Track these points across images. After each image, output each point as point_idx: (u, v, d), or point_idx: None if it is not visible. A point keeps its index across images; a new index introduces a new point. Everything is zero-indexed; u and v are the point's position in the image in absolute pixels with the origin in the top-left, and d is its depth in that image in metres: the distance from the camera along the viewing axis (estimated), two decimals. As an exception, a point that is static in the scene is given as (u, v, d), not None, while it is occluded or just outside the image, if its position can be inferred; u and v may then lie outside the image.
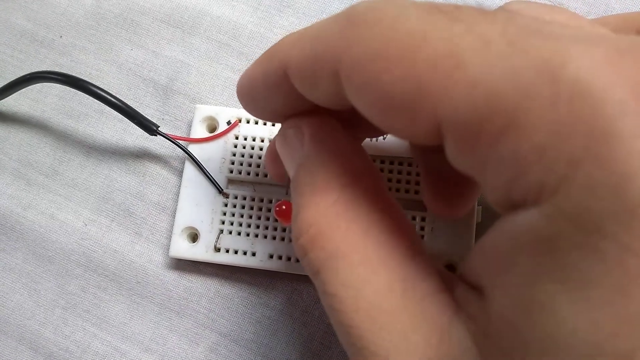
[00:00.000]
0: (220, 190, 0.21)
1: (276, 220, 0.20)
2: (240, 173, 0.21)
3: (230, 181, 0.21)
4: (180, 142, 0.21)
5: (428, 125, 0.11)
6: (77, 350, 0.21)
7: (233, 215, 0.21)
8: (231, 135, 0.21)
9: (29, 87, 0.23)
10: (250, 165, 0.21)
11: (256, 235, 0.20)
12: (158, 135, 0.21)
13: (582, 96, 0.09)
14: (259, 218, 0.21)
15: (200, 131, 0.22)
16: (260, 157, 0.21)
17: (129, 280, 0.21)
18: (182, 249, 0.21)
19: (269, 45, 0.23)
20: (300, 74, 0.13)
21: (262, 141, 0.21)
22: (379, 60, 0.11)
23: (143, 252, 0.22)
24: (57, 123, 0.23)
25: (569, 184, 0.09)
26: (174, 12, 0.24)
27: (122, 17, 0.24)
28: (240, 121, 0.21)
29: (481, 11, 0.11)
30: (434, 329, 0.11)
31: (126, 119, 0.21)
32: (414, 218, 0.20)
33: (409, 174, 0.20)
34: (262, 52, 0.23)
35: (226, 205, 0.21)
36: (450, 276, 0.13)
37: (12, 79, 0.22)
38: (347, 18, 0.12)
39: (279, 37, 0.23)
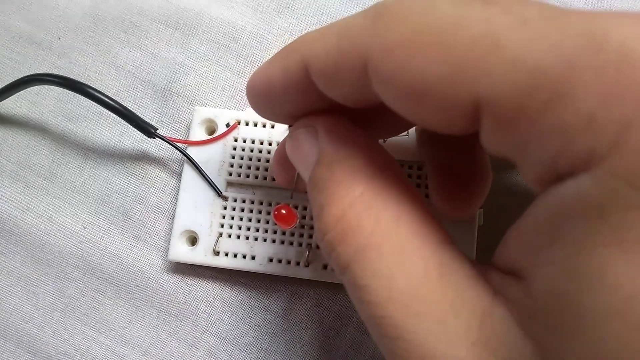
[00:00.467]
0: (219, 193, 0.21)
1: (275, 224, 0.20)
2: (239, 176, 0.21)
3: (230, 184, 0.21)
4: (179, 144, 0.21)
5: (464, 108, 0.10)
6: (75, 354, 0.21)
7: (232, 218, 0.21)
8: (230, 137, 0.21)
9: (27, 89, 0.23)
10: (249, 167, 0.21)
11: (255, 239, 0.20)
12: (156, 138, 0.21)
13: (629, 62, 0.09)
14: (259, 221, 0.20)
15: (199, 133, 0.22)
16: (259, 160, 0.21)
17: (127, 284, 0.21)
18: (181, 252, 0.21)
19: (269, 46, 0.23)
20: (323, 69, 0.13)
21: (262, 143, 0.21)
22: (412, 46, 0.11)
23: (142, 256, 0.22)
24: (56, 125, 0.23)
25: (622, 146, 0.09)
26: (173, 13, 0.23)
27: (120, 19, 0.24)
28: (239, 123, 0.21)
29: None
30: (474, 313, 0.11)
31: (125, 121, 0.21)
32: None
33: (409, 176, 0.20)
34: (262, 53, 0.23)
35: (225, 208, 0.21)
36: (483, 265, 0.12)
37: (10, 81, 0.22)
38: (374, 11, 0.12)
39: (279, 39, 0.23)
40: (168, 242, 0.21)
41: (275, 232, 0.20)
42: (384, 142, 0.20)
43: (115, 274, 0.22)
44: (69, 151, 0.23)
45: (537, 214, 0.11)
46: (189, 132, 0.22)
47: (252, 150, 0.21)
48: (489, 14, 0.10)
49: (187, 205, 0.21)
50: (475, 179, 0.17)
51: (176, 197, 0.21)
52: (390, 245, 0.12)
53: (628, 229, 0.09)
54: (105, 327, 0.21)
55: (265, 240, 0.20)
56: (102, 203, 0.22)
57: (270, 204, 0.21)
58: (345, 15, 0.21)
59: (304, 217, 0.20)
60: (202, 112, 0.22)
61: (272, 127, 0.21)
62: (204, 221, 0.21)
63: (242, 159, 0.21)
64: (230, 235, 0.20)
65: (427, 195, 0.20)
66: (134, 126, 0.21)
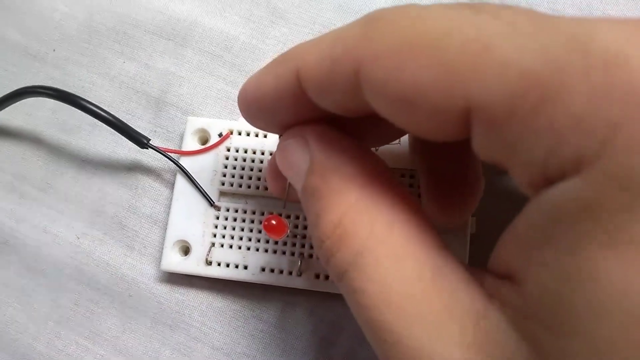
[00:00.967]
0: (211, 203, 0.21)
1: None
2: (232, 185, 0.21)
3: (222, 194, 0.21)
4: (172, 154, 0.21)
5: (455, 113, 0.10)
6: (70, 364, 0.21)
7: (225, 228, 0.21)
8: (222, 147, 0.21)
9: (22, 101, 0.23)
10: (242, 177, 0.21)
11: (248, 248, 0.20)
12: (149, 148, 0.21)
13: (615, 63, 0.09)
14: (251, 231, 0.20)
15: (191, 143, 0.22)
16: (252, 169, 0.21)
17: (121, 294, 0.21)
18: (174, 262, 0.21)
19: (262, 56, 0.23)
20: (315, 77, 0.13)
21: (254, 153, 0.21)
22: (404, 52, 0.11)
23: (135, 266, 0.22)
24: (50, 136, 0.23)
25: (611, 147, 0.09)
26: (166, 24, 0.24)
27: (114, 30, 0.24)
28: (231, 133, 0.21)
29: (503, 4, 0.11)
30: (469, 315, 0.11)
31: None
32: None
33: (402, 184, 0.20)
34: (254, 63, 0.23)
35: (218, 218, 0.21)
36: (477, 270, 0.12)
37: (5, 93, 0.22)
38: (367, 20, 0.12)
39: (271, 48, 0.23)
40: (161, 251, 0.21)
41: (267, 242, 0.20)
42: (376, 150, 0.20)
43: (109, 284, 0.22)
44: (64, 162, 0.23)
45: (530, 217, 0.11)
46: (182, 142, 0.22)
47: (244, 160, 0.21)
48: (480, 20, 0.10)
49: (180, 215, 0.21)
50: (467, 186, 0.17)
51: (169, 207, 0.21)
52: (385, 250, 0.12)
53: (619, 230, 0.09)
54: (99, 337, 0.21)
55: (257, 249, 0.20)
56: (96, 213, 0.22)
57: (262, 214, 0.21)
58: (338, 24, 0.21)
59: (296, 227, 0.20)
60: (195, 122, 0.22)
61: (265, 136, 0.21)
62: (197, 231, 0.21)
63: (234, 168, 0.21)
64: (222, 245, 0.20)
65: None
66: (127, 137, 0.21)
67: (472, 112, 0.10)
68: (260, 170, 0.21)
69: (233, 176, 0.21)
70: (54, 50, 0.24)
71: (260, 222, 0.20)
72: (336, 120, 0.15)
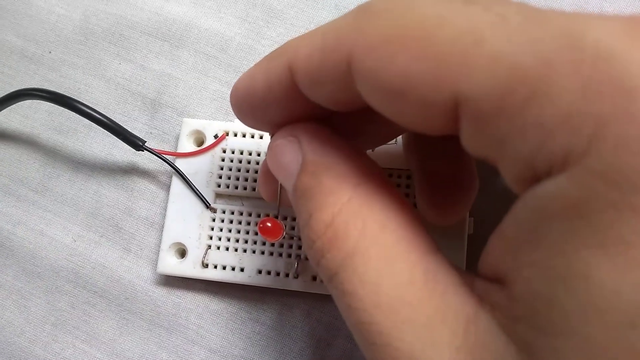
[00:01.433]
0: (207, 205, 0.21)
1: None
2: (228, 187, 0.21)
3: (218, 195, 0.21)
4: (167, 156, 0.21)
5: (445, 105, 0.10)
6: (67, 367, 0.21)
7: (221, 230, 0.21)
8: (218, 149, 0.21)
9: (19, 103, 0.23)
10: (238, 179, 0.21)
11: (244, 251, 0.20)
12: (145, 151, 0.21)
13: (605, 59, 0.09)
14: (247, 233, 0.20)
15: (187, 145, 0.21)
16: (248, 171, 0.21)
17: (117, 297, 0.21)
18: (170, 265, 0.21)
19: (257, 57, 0.23)
20: (307, 69, 0.13)
21: (250, 154, 0.21)
22: (395, 42, 0.11)
23: (132, 268, 0.22)
24: (47, 139, 0.23)
25: (599, 144, 0.09)
26: (162, 25, 0.24)
27: (110, 32, 0.24)
28: (227, 134, 0.21)
29: None
30: (459, 319, 0.11)
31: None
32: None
33: (398, 185, 0.20)
34: (250, 64, 0.23)
35: (214, 220, 0.21)
36: (467, 273, 0.12)
37: (1, 96, 0.22)
38: (358, 11, 0.12)
39: (267, 49, 0.23)
40: (157, 254, 0.21)
41: (264, 244, 0.20)
42: (372, 151, 0.20)
43: (105, 287, 0.22)
44: (60, 164, 0.23)
45: (518, 216, 0.11)
46: (177, 143, 0.22)
47: (240, 162, 0.21)
48: (470, 12, 0.10)
49: (176, 217, 0.21)
50: (461, 185, 0.17)
51: (165, 209, 0.21)
52: (376, 251, 0.12)
53: (608, 228, 0.09)
54: (96, 340, 0.21)
55: (254, 252, 0.20)
56: (93, 216, 0.22)
57: (259, 215, 0.20)
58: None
59: (292, 229, 0.20)
60: (190, 124, 0.22)
61: (261, 137, 0.21)
62: (193, 233, 0.21)
63: (230, 170, 0.21)
64: (219, 248, 0.20)
65: (415, 205, 0.20)
66: (122, 139, 0.21)
67: (461, 105, 0.10)
68: (256, 172, 0.21)
69: (229, 178, 0.21)
70: (50, 52, 0.24)
71: (257, 224, 0.20)
72: (328, 120, 0.15)
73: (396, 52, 0.11)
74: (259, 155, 0.21)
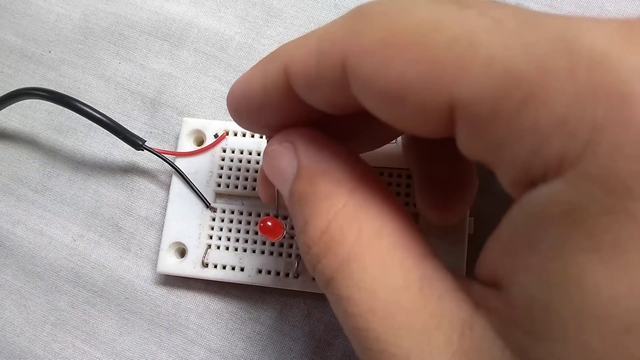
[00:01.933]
0: (207, 205, 0.21)
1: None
2: (228, 187, 0.21)
3: (218, 195, 0.21)
4: (167, 156, 0.21)
5: (441, 109, 0.10)
6: (67, 367, 0.21)
7: (221, 229, 0.20)
8: (218, 148, 0.21)
9: (19, 102, 0.23)
10: (238, 178, 0.21)
11: (244, 250, 0.20)
12: (145, 150, 0.21)
13: (600, 64, 0.09)
14: (247, 232, 0.20)
15: (187, 144, 0.21)
16: (248, 170, 0.21)
17: (117, 296, 0.21)
18: (170, 264, 0.20)
19: (257, 56, 0.23)
20: (303, 73, 0.13)
21: (250, 154, 0.21)
22: (390, 46, 0.11)
23: (131, 268, 0.22)
24: (46, 138, 0.23)
25: (594, 148, 0.09)
26: (162, 24, 0.24)
27: (109, 31, 0.24)
28: (227, 134, 0.21)
29: (490, 0, 0.11)
30: (455, 324, 0.11)
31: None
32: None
33: (398, 185, 0.20)
34: (250, 63, 0.23)
35: (214, 219, 0.21)
36: (463, 278, 0.12)
37: (0, 95, 0.22)
38: (353, 14, 0.12)
39: (267, 48, 0.23)
40: (157, 254, 0.21)
41: (264, 243, 0.20)
42: (372, 151, 0.20)
43: (105, 287, 0.21)
44: (60, 164, 0.23)
45: (514, 220, 0.11)
46: (177, 143, 0.22)
47: (240, 161, 0.21)
48: (466, 16, 0.10)
49: (176, 217, 0.21)
50: (461, 185, 0.17)
51: (165, 208, 0.21)
52: (372, 257, 0.12)
53: (603, 232, 0.09)
54: (95, 340, 0.21)
55: (254, 251, 0.20)
56: (92, 215, 0.22)
57: (259, 215, 0.20)
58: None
59: (292, 228, 0.20)
60: (190, 123, 0.22)
61: (261, 137, 0.21)
62: (193, 233, 0.21)
63: (230, 169, 0.21)
64: (219, 247, 0.20)
65: (406, 204, 0.20)
66: (122, 139, 0.21)
67: (456, 109, 0.10)
68: (256, 171, 0.21)
69: (229, 177, 0.21)
70: (50, 51, 0.24)
71: (257, 224, 0.20)
72: (325, 123, 0.15)
73: (391, 57, 0.11)
74: (259, 154, 0.21)
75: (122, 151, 0.23)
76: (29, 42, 0.24)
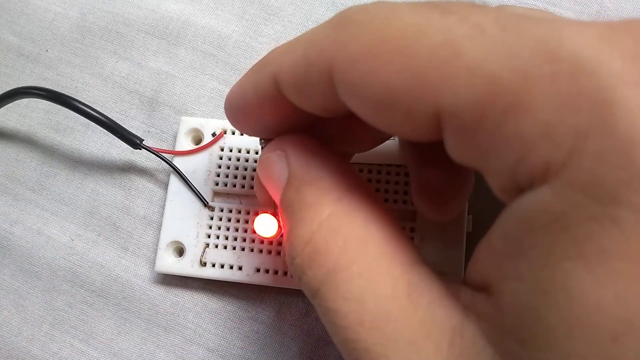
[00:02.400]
0: (205, 204, 0.21)
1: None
2: (225, 185, 0.21)
3: (216, 194, 0.21)
4: (165, 155, 0.21)
5: (427, 117, 0.10)
6: (65, 366, 0.21)
7: (219, 228, 0.20)
8: (216, 147, 0.21)
9: (16, 101, 0.23)
10: (235, 177, 0.21)
11: (242, 249, 0.20)
12: (142, 149, 0.21)
13: (583, 71, 0.09)
14: (245, 231, 0.20)
15: (185, 143, 0.21)
16: (245, 169, 0.21)
17: (115, 296, 0.21)
18: (168, 263, 0.20)
19: (255, 54, 0.23)
20: (292, 80, 0.13)
21: (248, 152, 0.21)
22: (375, 55, 0.11)
23: (129, 267, 0.21)
24: (44, 137, 0.23)
25: (579, 156, 0.09)
26: (159, 23, 0.23)
27: (107, 30, 0.24)
28: (225, 133, 0.21)
29: (472, 4, 0.11)
30: (444, 332, 0.11)
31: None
32: (403, 228, 0.20)
33: (397, 183, 0.20)
34: (248, 61, 0.23)
35: (212, 218, 0.21)
36: (453, 283, 0.12)
37: (-3, 94, 0.22)
38: (338, 21, 0.12)
39: (265, 46, 0.23)
40: (155, 253, 0.21)
41: (262, 242, 0.20)
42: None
43: (103, 286, 0.21)
44: (57, 163, 0.23)
45: (504, 227, 0.10)
46: (175, 142, 0.22)
47: (238, 160, 0.21)
48: (447, 23, 0.10)
49: (174, 216, 0.21)
50: (457, 181, 0.17)
51: (163, 207, 0.21)
52: (358, 268, 0.12)
53: (589, 240, 0.09)
54: (93, 340, 0.21)
55: (252, 250, 0.20)
56: (90, 215, 0.22)
57: (257, 214, 0.20)
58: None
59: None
60: (188, 122, 0.21)
61: (259, 135, 0.21)
62: (191, 232, 0.20)
63: (228, 168, 0.21)
64: (217, 246, 0.20)
65: (405, 202, 0.20)
66: (120, 138, 0.21)
67: (442, 117, 0.10)
68: (254, 170, 0.21)
69: (227, 176, 0.21)
70: (47, 50, 0.24)
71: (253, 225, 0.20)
72: (321, 125, 0.15)
73: (376, 66, 0.11)
74: (257, 153, 0.21)
75: (119, 150, 0.23)
76: (26, 41, 0.24)
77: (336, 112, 0.13)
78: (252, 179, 0.21)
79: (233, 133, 0.21)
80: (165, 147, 0.22)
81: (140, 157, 0.22)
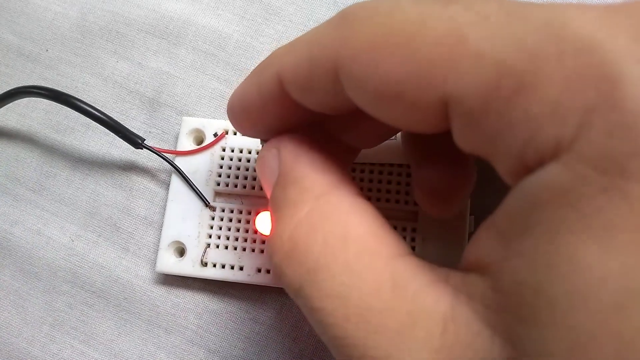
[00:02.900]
0: (206, 204, 0.20)
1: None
2: (227, 185, 0.21)
3: (217, 194, 0.21)
4: (166, 155, 0.21)
5: (434, 105, 0.11)
6: (65, 368, 0.21)
7: (220, 228, 0.20)
8: (218, 147, 0.21)
9: (16, 101, 0.23)
10: (237, 177, 0.21)
11: (244, 249, 0.20)
12: (144, 149, 0.21)
13: (587, 48, 0.09)
14: (247, 231, 0.20)
15: (186, 143, 0.21)
16: (247, 169, 0.21)
17: (116, 297, 0.21)
18: (169, 264, 0.20)
19: (256, 54, 0.23)
20: (296, 79, 0.13)
21: (250, 153, 0.21)
22: (379, 47, 0.11)
23: (130, 268, 0.21)
24: (44, 137, 0.23)
25: (587, 131, 0.09)
26: (159, 22, 0.23)
27: (107, 29, 0.24)
28: (227, 133, 0.21)
29: None
30: (434, 320, 0.11)
31: (112, 133, 0.21)
32: (404, 229, 0.20)
33: (398, 183, 0.20)
34: (249, 61, 0.23)
35: (213, 218, 0.20)
36: (441, 269, 0.12)
37: (-3, 94, 0.22)
38: (341, 18, 0.12)
39: (266, 46, 0.23)
40: (156, 253, 0.21)
41: (263, 242, 0.20)
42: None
43: (103, 287, 0.21)
44: (57, 163, 0.23)
45: (509, 207, 0.10)
46: (177, 142, 0.21)
47: (240, 160, 0.21)
48: (451, 12, 0.10)
49: (175, 216, 0.21)
50: (459, 177, 0.17)
51: (164, 208, 0.21)
52: (339, 265, 0.12)
53: (596, 213, 0.09)
54: (94, 341, 0.21)
55: (253, 250, 0.20)
56: (91, 215, 0.22)
57: (258, 213, 0.20)
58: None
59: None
60: (190, 122, 0.21)
61: (260, 135, 0.21)
62: (192, 232, 0.20)
63: (230, 168, 0.21)
64: (218, 246, 0.20)
65: (406, 202, 0.20)
66: (121, 137, 0.21)
67: (449, 105, 0.10)
68: (255, 170, 0.21)
69: (228, 176, 0.21)
70: (47, 50, 0.24)
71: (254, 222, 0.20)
72: (324, 122, 0.15)
73: (381, 59, 0.11)
74: (258, 153, 0.21)
75: (120, 150, 0.22)
76: (26, 40, 0.24)
77: (341, 109, 0.13)
78: (254, 179, 0.21)
79: (235, 133, 0.21)
80: (165, 147, 0.22)
81: (142, 157, 0.22)
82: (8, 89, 0.22)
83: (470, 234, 0.19)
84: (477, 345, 0.10)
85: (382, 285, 0.11)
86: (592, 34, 0.09)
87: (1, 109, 0.23)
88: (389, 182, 0.20)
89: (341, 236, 0.12)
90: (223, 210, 0.20)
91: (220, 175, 0.21)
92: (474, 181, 0.17)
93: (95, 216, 0.22)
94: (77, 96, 0.21)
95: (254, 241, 0.20)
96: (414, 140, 0.17)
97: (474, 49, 0.10)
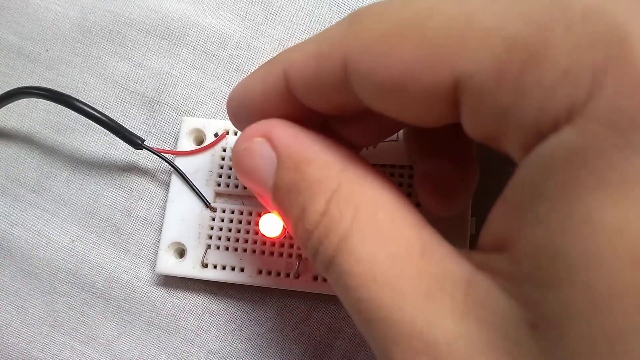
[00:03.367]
0: (207, 205, 0.20)
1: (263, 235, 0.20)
2: (227, 186, 0.21)
3: (218, 194, 0.21)
4: (167, 155, 0.21)
5: (445, 90, 0.11)
6: (65, 369, 0.21)
7: (220, 229, 0.20)
8: (218, 147, 0.21)
9: (16, 102, 0.22)
10: (238, 178, 0.21)
11: (244, 250, 0.20)
12: (144, 149, 0.21)
13: (595, 12, 0.09)
14: (247, 232, 0.20)
15: (187, 144, 0.21)
16: (247, 170, 0.21)
17: (116, 297, 0.21)
18: (169, 265, 0.20)
19: (257, 54, 0.23)
20: (303, 76, 0.13)
21: (250, 153, 0.21)
22: (390, 37, 0.11)
23: (130, 269, 0.21)
24: (44, 138, 0.23)
25: (599, 91, 0.09)
26: (160, 23, 0.23)
27: (107, 30, 0.24)
28: (227, 133, 0.21)
29: None
30: (458, 284, 0.11)
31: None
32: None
33: (400, 184, 0.20)
34: (250, 62, 0.23)
35: (213, 219, 0.20)
36: (462, 249, 0.12)
37: (-3, 94, 0.22)
38: (351, 17, 0.12)
39: (267, 47, 0.23)
40: (156, 254, 0.21)
41: (264, 244, 0.20)
42: (374, 147, 0.20)
43: (103, 288, 0.21)
44: (58, 164, 0.23)
45: (519, 178, 0.11)
46: (177, 142, 0.21)
47: (240, 160, 0.21)
48: None
49: (175, 217, 0.21)
50: (461, 175, 0.17)
51: (164, 208, 0.21)
52: (371, 230, 0.12)
53: (610, 169, 0.09)
54: (94, 342, 0.21)
55: (254, 251, 0.20)
56: (91, 216, 0.22)
57: (259, 215, 0.20)
58: (334, 21, 0.20)
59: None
60: (190, 122, 0.21)
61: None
62: (192, 233, 0.20)
63: (230, 169, 0.21)
64: (218, 247, 0.20)
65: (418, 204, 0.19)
66: (121, 138, 0.21)
67: (461, 84, 0.10)
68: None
69: (229, 177, 0.21)
70: (47, 50, 0.24)
71: (257, 223, 0.20)
72: (324, 123, 0.15)
73: (392, 46, 0.11)
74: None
75: (120, 151, 0.22)
76: (27, 40, 0.24)
77: (344, 110, 0.13)
78: (254, 180, 0.21)
79: (235, 134, 0.21)
80: (166, 148, 0.22)
81: (141, 158, 0.22)
82: (8, 89, 0.22)
83: (472, 236, 0.19)
84: (498, 311, 0.10)
85: (412, 250, 0.12)
86: (597, 1, 0.09)
87: (1, 109, 0.23)
88: (390, 183, 0.20)
89: (373, 203, 0.12)
90: (224, 211, 0.20)
91: (220, 176, 0.21)
92: (477, 179, 0.17)
93: (95, 217, 0.22)
94: (77, 96, 0.21)
95: (255, 242, 0.20)
96: (417, 136, 0.17)
97: (482, 26, 0.10)
